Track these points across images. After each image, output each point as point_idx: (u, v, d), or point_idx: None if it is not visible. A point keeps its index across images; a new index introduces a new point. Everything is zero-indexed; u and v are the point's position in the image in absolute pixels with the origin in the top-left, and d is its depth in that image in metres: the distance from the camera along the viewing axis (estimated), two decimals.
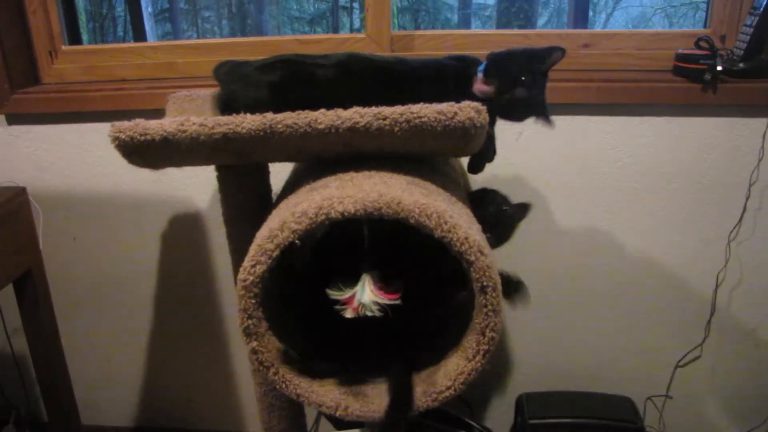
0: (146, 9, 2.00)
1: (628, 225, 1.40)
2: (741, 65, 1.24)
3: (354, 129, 0.76)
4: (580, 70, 1.37)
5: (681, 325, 1.46)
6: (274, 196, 0.98)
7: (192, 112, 1.02)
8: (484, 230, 0.84)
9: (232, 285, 0.83)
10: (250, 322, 0.78)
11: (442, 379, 0.79)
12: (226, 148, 0.80)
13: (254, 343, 0.79)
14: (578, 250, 1.43)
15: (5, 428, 1.55)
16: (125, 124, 0.79)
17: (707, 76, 1.22)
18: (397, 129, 0.76)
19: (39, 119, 1.46)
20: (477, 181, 1.05)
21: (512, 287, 1.03)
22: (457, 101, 0.76)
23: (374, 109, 0.76)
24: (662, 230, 1.40)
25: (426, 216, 0.71)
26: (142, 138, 0.79)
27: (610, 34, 1.39)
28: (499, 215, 1.02)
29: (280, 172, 0.99)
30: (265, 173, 0.98)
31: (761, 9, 1.19)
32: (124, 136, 0.79)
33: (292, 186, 0.89)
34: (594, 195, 1.39)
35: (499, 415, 1.60)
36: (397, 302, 0.76)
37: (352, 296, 0.76)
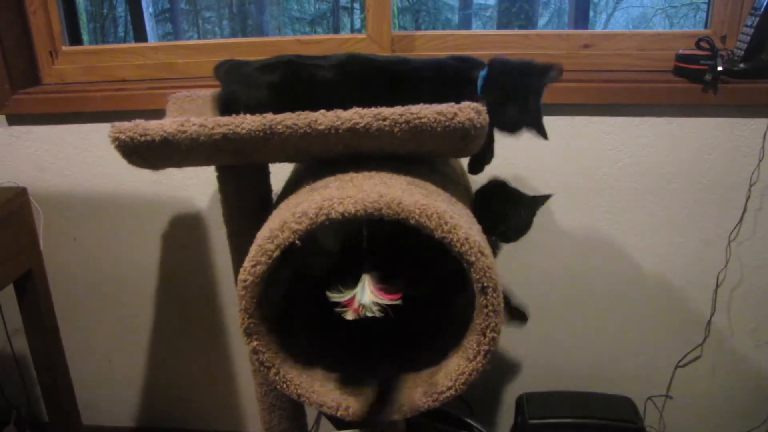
0: (147, 9, 2.00)
1: (628, 225, 1.40)
2: (741, 66, 1.23)
3: (354, 130, 0.76)
4: (580, 71, 1.37)
5: (681, 325, 1.46)
6: (274, 197, 0.98)
7: (192, 113, 1.02)
8: (499, 223, 0.83)
9: (233, 285, 0.83)
10: (250, 321, 0.78)
11: (443, 380, 0.80)
12: (226, 148, 0.80)
13: (255, 343, 0.80)
14: (578, 251, 1.43)
15: (6, 428, 1.55)
16: (125, 125, 0.79)
17: (708, 77, 1.22)
18: (396, 130, 0.76)
19: (39, 119, 1.46)
20: (477, 181, 1.04)
21: (514, 314, 1.03)
22: (458, 102, 0.76)
23: (374, 110, 0.76)
24: (662, 230, 1.40)
25: (426, 216, 0.71)
26: (142, 138, 0.79)
27: (610, 34, 1.39)
28: (517, 203, 1.01)
29: (280, 173, 1.00)
30: (266, 174, 0.98)
31: (762, 9, 1.19)
32: (124, 137, 0.79)
33: (292, 186, 0.89)
34: (594, 195, 1.39)
35: (499, 415, 1.60)
36: (398, 302, 0.76)
37: (352, 298, 0.76)
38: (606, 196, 1.39)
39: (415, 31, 1.46)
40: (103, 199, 1.52)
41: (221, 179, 0.93)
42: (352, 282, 0.77)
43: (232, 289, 0.81)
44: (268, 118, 0.77)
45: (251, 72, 0.92)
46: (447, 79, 0.92)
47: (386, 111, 0.76)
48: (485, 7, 3.73)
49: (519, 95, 0.87)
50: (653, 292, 1.44)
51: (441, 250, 0.73)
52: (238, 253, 0.95)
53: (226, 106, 0.91)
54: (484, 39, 1.43)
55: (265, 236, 0.74)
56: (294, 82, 0.91)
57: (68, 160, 1.49)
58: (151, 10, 2.08)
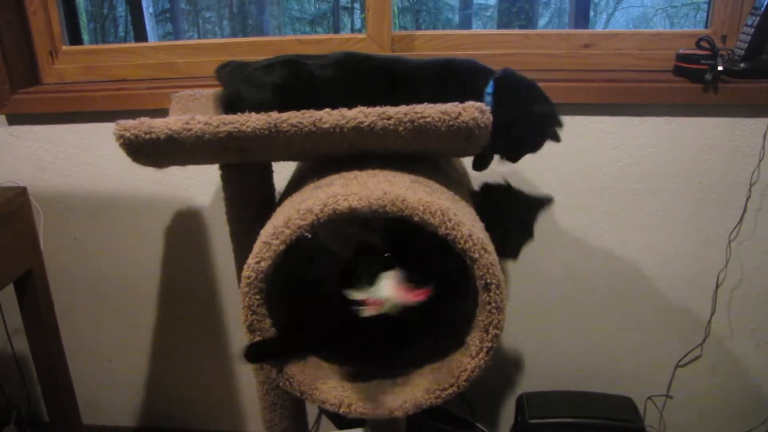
0: (147, 9, 1.99)
1: (628, 225, 1.41)
2: (742, 65, 1.24)
3: (358, 128, 0.76)
4: (580, 71, 1.37)
5: (681, 325, 1.47)
6: (277, 196, 0.99)
7: (196, 111, 1.02)
8: (505, 225, 0.83)
9: (234, 285, 0.83)
10: (254, 318, 0.78)
11: (445, 377, 0.80)
12: (230, 146, 0.80)
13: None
14: (578, 250, 1.44)
15: (6, 428, 1.54)
16: (130, 123, 0.79)
17: (708, 77, 1.22)
18: (401, 129, 0.76)
19: (39, 119, 1.46)
20: (478, 181, 1.05)
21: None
22: (459, 101, 0.76)
23: (379, 109, 0.76)
24: (662, 230, 1.40)
25: (430, 213, 0.72)
26: (147, 136, 0.79)
27: (611, 34, 1.39)
28: (517, 202, 1.01)
29: (283, 171, 1.00)
30: (269, 172, 0.98)
31: (762, 9, 1.20)
32: (129, 134, 0.79)
33: (296, 185, 0.89)
34: (594, 195, 1.39)
35: (500, 414, 1.61)
36: (424, 300, 0.74)
37: (374, 296, 0.74)
38: (606, 196, 1.39)
39: (415, 31, 1.46)
40: (103, 199, 1.52)
41: (225, 178, 0.93)
42: (367, 282, 0.76)
43: (233, 289, 0.81)
44: (273, 117, 0.77)
45: (253, 72, 0.92)
46: (448, 79, 0.92)
47: (391, 110, 0.76)
48: (485, 7, 3.73)
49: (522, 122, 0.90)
50: (653, 292, 1.45)
51: (443, 247, 0.73)
52: (241, 251, 0.95)
53: (230, 105, 0.91)
54: (485, 39, 1.43)
55: (269, 233, 0.74)
56: (295, 82, 0.91)
57: (68, 160, 1.49)
58: (151, 10, 2.08)
